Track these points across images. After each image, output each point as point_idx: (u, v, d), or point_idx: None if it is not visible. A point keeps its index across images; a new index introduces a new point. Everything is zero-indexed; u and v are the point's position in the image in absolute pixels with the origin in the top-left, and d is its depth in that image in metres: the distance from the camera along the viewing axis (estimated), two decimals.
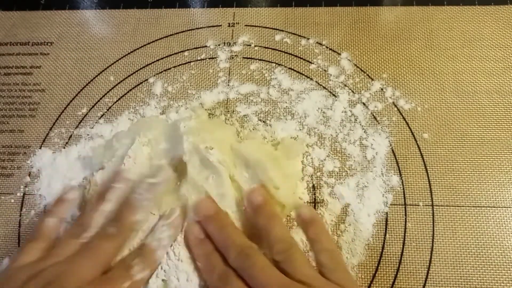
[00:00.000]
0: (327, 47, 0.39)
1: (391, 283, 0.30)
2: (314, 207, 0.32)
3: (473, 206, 0.32)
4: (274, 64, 0.38)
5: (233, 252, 0.26)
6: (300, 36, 0.40)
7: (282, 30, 0.40)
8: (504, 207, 0.32)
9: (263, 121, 0.36)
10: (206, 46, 0.40)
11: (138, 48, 0.40)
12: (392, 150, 0.34)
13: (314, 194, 0.33)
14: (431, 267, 0.30)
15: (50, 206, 0.31)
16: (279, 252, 0.26)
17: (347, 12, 0.41)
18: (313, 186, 0.33)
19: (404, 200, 0.32)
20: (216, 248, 0.27)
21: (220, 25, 0.41)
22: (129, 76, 0.39)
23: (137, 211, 0.28)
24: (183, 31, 0.41)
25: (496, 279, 0.29)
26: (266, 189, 0.29)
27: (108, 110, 0.37)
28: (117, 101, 0.38)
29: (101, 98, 0.38)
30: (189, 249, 0.28)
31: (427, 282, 0.30)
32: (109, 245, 0.26)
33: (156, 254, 0.27)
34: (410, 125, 0.35)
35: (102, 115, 0.37)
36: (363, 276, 0.30)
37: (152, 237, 0.28)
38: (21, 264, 0.26)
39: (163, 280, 0.27)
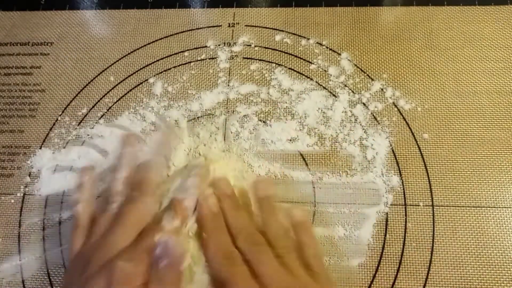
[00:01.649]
0: (327, 47, 0.39)
1: (391, 283, 0.30)
2: (314, 207, 0.32)
3: (473, 206, 0.32)
4: (274, 64, 0.38)
5: (244, 234, 0.26)
6: (300, 36, 0.40)
7: (282, 30, 0.40)
8: (504, 207, 0.32)
9: (263, 121, 0.36)
10: (206, 46, 0.40)
11: (138, 49, 0.40)
12: (392, 150, 0.34)
13: (314, 195, 0.33)
14: (431, 267, 0.30)
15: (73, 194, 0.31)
16: (279, 249, 0.26)
17: (347, 12, 0.41)
18: (313, 186, 0.33)
19: (404, 200, 0.32)
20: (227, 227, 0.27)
21: (220, 25, 0.41)
22: (129, 76, 0.39)
23: (150, 170, 0.28)
24: (183, 31, 0.41)
25: (496, 279, 0.30)
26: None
27: (108, 110, 0.37)
28: (117, 101, 0.38)
29: (101, 99, 0.38)
30: (200, 220, 0.28)
31: (427, 282, 0.30)
32: (135, 207, 0.27)
33: (183, 203, 0.28)
34: (410, 125, 0.35)
35: (102, 115, 0.37)
36: (363, 276, 0.30)
37: (178, 189, 0.28)
38: (71, 256, 0.27)
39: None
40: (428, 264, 0.30)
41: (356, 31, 0.40)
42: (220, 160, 0.32)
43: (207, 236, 0.27)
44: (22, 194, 0.34)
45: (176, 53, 0.40)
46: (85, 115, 0.37)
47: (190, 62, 0.39)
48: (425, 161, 0.33)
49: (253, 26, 0.41)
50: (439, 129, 0.35)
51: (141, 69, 0.39)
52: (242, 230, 0.27)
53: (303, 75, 0.38)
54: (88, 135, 0.36)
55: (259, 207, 0.29)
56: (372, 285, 0.30)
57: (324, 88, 0.37)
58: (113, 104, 0.38)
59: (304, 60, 0.38)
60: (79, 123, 0.37)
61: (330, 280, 0.28)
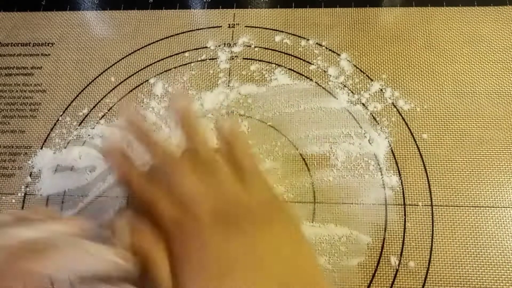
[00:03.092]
0: (326, 48, 0.39)
1: (390, 282, 0.30)
2: (314, 207, 0.32)
3: (472, 206, 0.32)
4: (274, 65, 0.39)
5: (158, 160, 0.25)
6: (300, 37, 0.40)
7: (282, 31, 0.40)
8: (503, 207, 0.32)
9: (263, 121, 0.36)
10: (206, 47, 0.40)
11: (138, 49, 0.40)
12: (392, 151, 0.34)
13: (314, 194, 0.33)
14: (430, 266, 0.30)
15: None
16: (202, 162, 0.25)
17: (347, 13, 0.41)
18: (313, 186, 0.33)
19: (404, 200, 0.32)
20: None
21: (221, 26, 0.41)
22: (129, 76, 0.39)
23: None
24: (183, 32, 0.41)
25: (495, 279, 0.30)
26: None
27: (109, 110, 0.37)
28: (118, 101, 0.38)
29: (102, 99, 0.38)
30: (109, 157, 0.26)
31: (426, 281, 0.30)
32: None
33: None
34: (409, 126, 0.35)
35: (103, 116, 0.37)
36: (362, 276, 0.30)
37: None
38: None
39: None
40: (427, 264, 0.30)
41: (356, 32, 0.40)
42: None
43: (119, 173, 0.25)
44: (23, 194, 0.35)
45: (176, 54, 0.40)
46: (86, 115, 0.37)
47: (191, 63, 0.39)
48: (424, 161, 0.33)
49: (253, 27, 0.41)
50: (438, 129, 0.35)
51: (141, 69, 0.39)
52: (157, 150, 0.25)
53: (303, 75, 0.38)
54: (89, 135, 0.36)
55: (180, 126, 0.26)
56: (371, 284, 0.30)
57: (324, 88, 0.37)
58: (114, 104, 0.38)
59: (304, 60, 0.39)
60: (80, 123, 0.37)
61: (267, 190, 0.26)
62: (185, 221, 0.23)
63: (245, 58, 0.39)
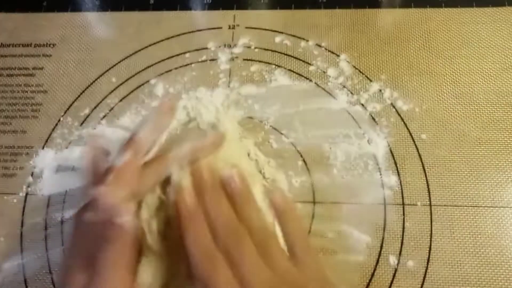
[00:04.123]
0: (326, 49, 0.39)
1: (389, 282, 0.30)
2: (313, 206, 0.32)
3: (471, 206, 0.32)
4: (274, 66, 0.39)
5: (224, 231, 0.25)
6: (299, 38, 0.40)
7: (282, 32, 0.41)
8: (502, 207, 0.32)
9: (263, 122, 0.36)
10: (207, 48, 0.40)
11: (139, 50, 0.41)
12: (391, 151, 0.34)
13: (314, 194, 0.33)
14: (429, 266, 0.30)
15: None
16: (258, 241, 0.25)
17: (346, 14, 0.41)
18: (312, 186, 0.33)
19: (402, 200, 0.32)
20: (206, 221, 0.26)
21: (221, 27, 0.41)
22: (130, 77, 0.39)
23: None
24: (184, 33, 0.41)
25: (494, 278, 0.30)
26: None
27: (110, 111, 0.38)
28: (119, 102, 0.38)
29: (103, 99, 0.38)
30: (178, 218, 0.26)
31: (425, 281, 0.30)
32: None
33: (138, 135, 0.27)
34: (408, 126, 0.35)
35: (104, 116, 0.37)
36: (361, 276, 0.30)
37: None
38: None
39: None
40: (426, 263, 0.30)
41: (355, 33, 0.40)
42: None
43: (186, 233, 0.25)
44: (24, 194, 0.35)
45: (177, 55, 0.40)
46: (87, 116, 0.38)
47: (191, 64, 0.40)
48: (423, 161, 0.34)
49: (253, 28, 0.41)
50: (436, 130, 0.35)
51: (142, 70, 0.40)
52: (222, 224, 0.25)
53: (303, 76, 0.38)
54: (90, 135, 0.37)
55: (235, 199, 0.27)
56: (370, 283, 0.30)
57: (323, 89, 0.37)
58: (115, 105, 0.38)
59: (304, 61, 0.39)
60: (82, 124, 0.37)
61: (320, 269, 0.26)
62: None
63: (245, 59, 0.39)
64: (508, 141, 0.34)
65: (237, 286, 0.23)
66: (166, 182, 0.27)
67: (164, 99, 0.30)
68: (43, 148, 0.36)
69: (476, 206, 0.32)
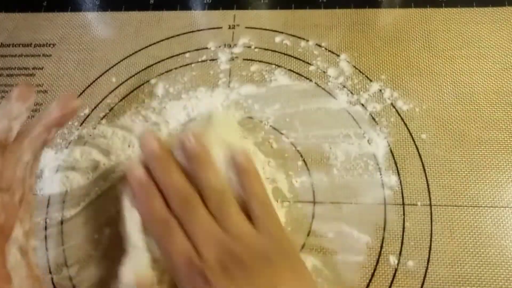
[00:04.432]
0: (326, 49, 0.39)
1: (389, 282, 0.30)
2: (313, 206, 0.32)
3: (471, 206, 0.32)
4: (274, 66, 0.39)
5: (176, 199, 0.25)
6: (299, 38, 0.40)
7: (282, 32, 0.41)
8: (502, 206, 0.32)
9: (263, 122, 0.36)
10: (207, 48, 0.40)
11: (139, 50, 0.41)
12: (391, 151, 0.34)
13: (314, 194, 0.33)
14: (429, 266, 0.30)
15: None
16: (214, 204, 0.25)
17: (346, 14, 0.41)
18: (312, 186, 0.33)
19: (402, 200, 0.32)
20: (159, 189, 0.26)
21: (221, 27, 0.41)
22: (131, 77, 0.39)
23: None
24: (184, 33, 0.41)
25: (494, 278, 0.30)
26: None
27: (110, 111, 0.38)
28: (119, 102, 0.38)
29: (103, 99, 0.38)
30: (133, 194, 0.27)
31: (425, 281, 0.30)
32: None
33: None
34: (408, 126, 0.35)
35: (104, 116, 0.37)
36: (361, 276, 0.30)
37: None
38: None
39: None
40: (426, 263, 0.30)
41: (355, 33, 0.40)
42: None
43: (139, 205, 0.26)
44: None
45: (177, 55, 0.40)
46: (87, 116, 0.38)
47: (191, 64, 0.40)
48: (423, 161, 0.34)
49: (253, 28, 0.41)
50: (437, 129, 0.35)
51: (142, 70, 0.40)
52: (173, 191, 0.25)
53: (303, 76, 0.38)
54: (90, 135, 0.37)
55: (190, 162, 0.27)
56: (370, 284, 0.30)
57: (323, 89, 0.37)
58: (115, 104, 0.38)
59: (304, 61, 0.39)
60: (82, 124, 0.37)
61: (279, 225, 0.26)
62: (195, 261, 0.23)
63: (245, 59, 0.39)
64: (508, 141, 0.34)
65: (191, 249, 0.24)
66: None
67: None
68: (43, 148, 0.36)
69: (476, 206, 0.32)
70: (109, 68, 0.40)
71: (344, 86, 0.37)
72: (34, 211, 0.27)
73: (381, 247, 0.31)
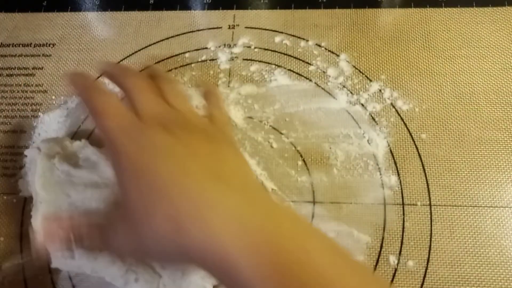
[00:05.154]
0: (326, 49, 0.39)
1: (389, 282, 0.30)
2: (313, 206, 0.32)
3: (471, 206, 0.32)
4: (274, 66, 0.39)
5: (134, 89, 0.25)
6: (299, 38, 0.40)
7: (282, 32, 0.41)
8: (502, 206, 0.32)
9: (263, 122, 0.36)
10: (206, 48, 0.40)
11: (139, 50, 0.41)
12: (390, 151, 0.34)
13: (314, 194, 0.33)
14: (429, 266, 0.30)
15: None
16: (168, 90, 0.26)
17: (346, 14, 0.41)
18: (312, 186, 0.33)
19: (402, 200, 0.32)
20: None
21: (221, 27, 0.41)
22: None
23: None
24: (184, 33, 0.41)
25: (494, 278, 0.30)
26: None
27: None
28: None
29: None
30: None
31: (425, 281, 0.30)
32: None
33: None
34: (408, 126, 0.35)
35: None
36: None
37: None
38: None
39: None
40: (426, 263, 0.30)
41: (355, 33, 0.40)
42: None
43: (85, 99, 0.25)
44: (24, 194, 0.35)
45: (177, 55, 0.40)
46: (87, 116, 0.38)
47: (191, 64, 0.40)
48: (423, 161, 0.34)
49: (253, 28, 0.41)
50: (436, 129, 0.35)
51: (142, 70, 0.39)
52: (133, 83, 0.26)
53: (302, 76, 0.38)
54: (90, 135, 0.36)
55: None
56: None
57: (323, 89, 0.37)
58: None
59: (303, 61, 0.39)
60: (81, 124, 0.37)
61: (228, 127, 0.28)
62: (131, 118, 0.23)
63: (245, 59, 0.39)
64: (508, 141, 0.34)
65: (129, 111, 0.23)
66: None
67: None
68: None
69: (476, 206, 0.32)
70: None
71: (344, 86, 0.37)
72: None
73: (381, 247, 0.31)
